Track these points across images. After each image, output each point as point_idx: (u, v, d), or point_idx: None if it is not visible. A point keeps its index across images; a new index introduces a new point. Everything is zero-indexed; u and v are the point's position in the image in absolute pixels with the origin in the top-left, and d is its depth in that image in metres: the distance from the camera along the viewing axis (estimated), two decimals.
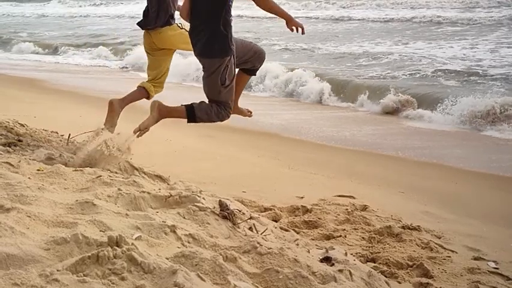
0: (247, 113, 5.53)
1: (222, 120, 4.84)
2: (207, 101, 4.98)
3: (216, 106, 4.80)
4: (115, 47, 25.92)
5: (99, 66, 22.84)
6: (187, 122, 4.82)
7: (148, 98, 5.80)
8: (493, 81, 16.21)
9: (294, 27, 4.52)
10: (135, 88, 5.96)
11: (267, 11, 4.47)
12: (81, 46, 27.46)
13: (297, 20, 4.58)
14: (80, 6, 52.44)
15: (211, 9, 4.48)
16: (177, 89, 17.50)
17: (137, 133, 4.86)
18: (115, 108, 5.79)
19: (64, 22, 40.89)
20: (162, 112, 4.74)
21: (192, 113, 4.71)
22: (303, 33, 4.52)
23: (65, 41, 29.32)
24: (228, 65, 4.60)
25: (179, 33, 5.65)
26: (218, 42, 4.53)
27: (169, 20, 5.62)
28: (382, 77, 17.48)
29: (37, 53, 26.44)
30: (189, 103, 4.86)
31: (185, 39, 5.49)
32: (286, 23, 4.56)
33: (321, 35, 27.78)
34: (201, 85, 5.03)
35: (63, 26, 38.05)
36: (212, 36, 4.52)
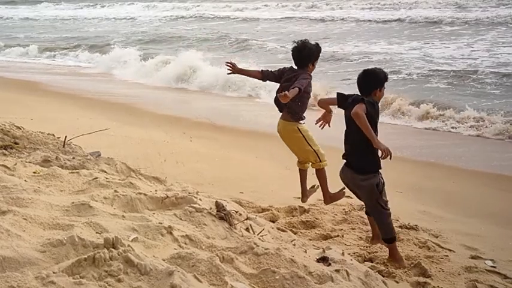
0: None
1: (390, 215, 5.30)
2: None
3: (379, 214, 5.25)
4: (105, 49, 25.81)
5: (93, 68, 22.76)
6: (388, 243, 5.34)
7: (307, 168, 6.05)
8: (487, 79, 16.20)
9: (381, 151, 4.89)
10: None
11: (358, 124, 4.86)
12: (77, 48, 27.40)
13: (382, 143, 4.85)
14: (75, 9, 52.36)
15: (359, 140, 4.96)
16: (171, 91, 17.54)
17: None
18: (306, 199, 6.18)
19: (60, 25, 40.82)
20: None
21: (389, 239, 5.25)
22: (390, 158, 4.83)
23: (60, 43, 29.32)
24: (380, 179, 5.10)
25: (298, 137, 5.69)
26: (367, 162, 5.06)
27: (296, 116, 5.64)
28: None
29: (33, 55, 26.37)
30: (382, 237, 5.34)
31: (301, 146, 5.70)
32: (373, 145, 4.93)
33: (316, 35, 27.80)
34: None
35: (58, 28, 38.02)
36: (362, 158, 5.07)
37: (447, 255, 5.67)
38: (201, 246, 3.67)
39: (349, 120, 5.02)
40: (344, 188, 5.78)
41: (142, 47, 25.96)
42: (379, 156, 4.84)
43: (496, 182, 8.51)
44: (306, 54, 5.61)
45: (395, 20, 30.83)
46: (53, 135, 6.98)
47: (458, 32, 25.77)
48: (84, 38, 31.26)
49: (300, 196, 6.63)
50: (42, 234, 3.31)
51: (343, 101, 5.15)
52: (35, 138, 6.53)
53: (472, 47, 21.63)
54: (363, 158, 5.01)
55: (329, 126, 5.44)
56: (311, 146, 5.67)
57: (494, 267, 5.54)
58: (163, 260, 3.19)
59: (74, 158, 5.88)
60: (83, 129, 8.00)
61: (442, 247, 5.91)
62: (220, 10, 42.12)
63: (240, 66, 5.99)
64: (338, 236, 6.05)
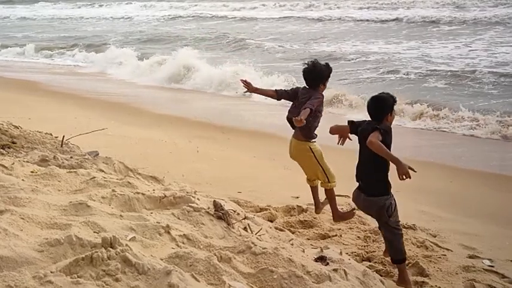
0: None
1: (402, 236, 5.27)
2: None
3: (389, 234, 5.18)
4: (103, 49, 25.67)
5: (90, 67, 22.68)
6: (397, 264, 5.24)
7: (316, 184, 6.09)
8: (485, 79, 16.18)
9: (400, 176, 4.88)
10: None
11: (377, 152, 4.93)
12: (74, 47, 27.26)
13: (404, 164, 4.83)
14: (73, 8, 52.27)
15: (370, 164, 5.03)
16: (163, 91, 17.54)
17: None
18: (320, 210, 6.15)
19: (58, 24, 40.74)
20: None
21: (398, 260, 5.12)
22: (406, 178, 4.85)
23: (58, 43, 29.24)
24: (391, 202, 5.09)
25: (309, 156, 5.77)
26: (378, 185, 5.08)
27: (308, 134, 5.72)
28: (369, 80, 17.40)
29: (30, 55, 26.27)
30: (391, 256, 5.22)
31: (312, 165, 5.75)
32: (396, 168, 4.92)
33: (314, 35, 27.83)
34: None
35: (56, 28, 37.94)
36: (372, 182, 5.08)
37: (445, 255, 5.68)
38: (199, 246, 3.67)
39: (360, 145, 5.09)
40: (354, 209, 5.83)
41: (139, 47, 25.92)
42: (400, 178, 4.83)
43: (494, 182, 8.51)
44: (317, 75, 5.67)
45: (393, 20, 30.82)
46: (51, 134, 6.98)
47: (456, 31, 25.78)
48: (81, 37, 31.19)
49: (296, 196, 6.64)
50: (40, 234, 3.30)
51: (354, 127, 5.21)
52: (32, 138, 6.52)
53: (470, 47, 21.64)
54: (373, 181, 5.05)
55: (350, 139, 5.45)
56: (321, 166, 5.74)
57: (492, 266, 5.54)
58: (161, 260, 3.19)
59: (71, 157, 5.87)
60: (80, 128, 8.00)
61: (440, 246, 5.91)
62: (218, 10, 42.10)
63: (249, 79, 6.08)
64: (336, 235, 6.06)
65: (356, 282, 3.64)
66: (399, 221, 5.16)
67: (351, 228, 6.27)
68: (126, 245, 3.10)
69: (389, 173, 4.99)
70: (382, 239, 5.76)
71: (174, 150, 9.25)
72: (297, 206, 6.76)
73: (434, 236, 6.26)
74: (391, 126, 5.11)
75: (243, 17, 37.55)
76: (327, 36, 27.23)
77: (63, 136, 6.71)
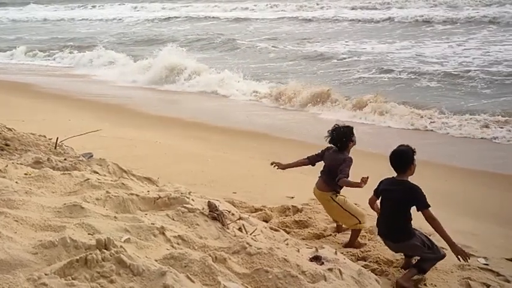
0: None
1: (441, 258, 5.38)
2: None
3: (431, 257, 5.35)
4: (94, 51, 25.53)
5: (82, 69, 22.59)
6: (421, 274, 5.32)
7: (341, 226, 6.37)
8: (478, 78, 16.22)
9: (457, 256, 5.05)
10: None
11: (432, 227, 5.26)
12: (66, 49, 27.10)
13: (459, 247, 5.04)
14: (65, 9, 52.10)
15: (397, 218, 5.29)
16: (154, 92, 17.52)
17: None
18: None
19: (51, 26, 40.59)
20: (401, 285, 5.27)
21: (422, 269, 5.27)
22: (466, 260, 5.05)
23: (51, 45, 29.09)
24: (417, 242, 5.25)
25: (336, 206, 6.02)
26: (402, 232, 5.28)
27: (330, 187, 5.99)
28: (360, 80, 17.42)
29: (22, 57, 26.14)
30: (416, 262, 5.36)
31: (337, 213, 6.01)
32: (450, 248, 5.12)
33: (308, 35, 27.85)
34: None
35: (50, 29, 37.78)
36: (396, 231, 5.29)
37: None
38: (193, 247, 3.65)
39: (382, 202, 5.37)
40: (366, 244, 5.91)
41: (132, 48, 25.91)
42: (458, 258, 5.01)
43: (489, 181, 8.53)
44: (341, 138, 5.99)
45: (386, 19, 30.88)
46: (45, 136, 6.95)
47: (449, 31, 25.84)
48: (74, 39, 31.08)
49: (291, 196, 6.56)
50: (34, 236, 3.28)
51: (377, 193, 5.46)
52: (26, 140, 6.49)
53: (464, 46, 21.70)
54: (397, 231, 5.24)
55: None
56: (348, 211, 5.95)
57: (487, 264, 5.57)
58: (156, 261, 3.18)
59: (65, 159, 5.85)
60: (74, 130, 7.97)
61: None
62: (209, 11, 42.07)
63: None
64: (331, 235, 6.07)
65: (351, 281, 3.64)
66: (434, 248, 5.27)
67: (346, 228, 6.27)
68: (121, 246, 3.09)
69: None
70: (378, 238, 5.78)
71: (169, 151, 9.24)
72: (292, 206, 6.76)
73: (430, 235, 6.26)
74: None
75: (237, 17, 37.55)
76: (320, 36, 27.25)
77: (57, 138, 6.68)
